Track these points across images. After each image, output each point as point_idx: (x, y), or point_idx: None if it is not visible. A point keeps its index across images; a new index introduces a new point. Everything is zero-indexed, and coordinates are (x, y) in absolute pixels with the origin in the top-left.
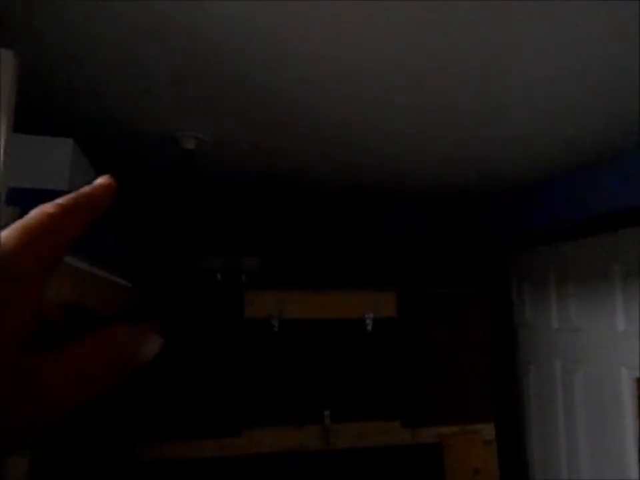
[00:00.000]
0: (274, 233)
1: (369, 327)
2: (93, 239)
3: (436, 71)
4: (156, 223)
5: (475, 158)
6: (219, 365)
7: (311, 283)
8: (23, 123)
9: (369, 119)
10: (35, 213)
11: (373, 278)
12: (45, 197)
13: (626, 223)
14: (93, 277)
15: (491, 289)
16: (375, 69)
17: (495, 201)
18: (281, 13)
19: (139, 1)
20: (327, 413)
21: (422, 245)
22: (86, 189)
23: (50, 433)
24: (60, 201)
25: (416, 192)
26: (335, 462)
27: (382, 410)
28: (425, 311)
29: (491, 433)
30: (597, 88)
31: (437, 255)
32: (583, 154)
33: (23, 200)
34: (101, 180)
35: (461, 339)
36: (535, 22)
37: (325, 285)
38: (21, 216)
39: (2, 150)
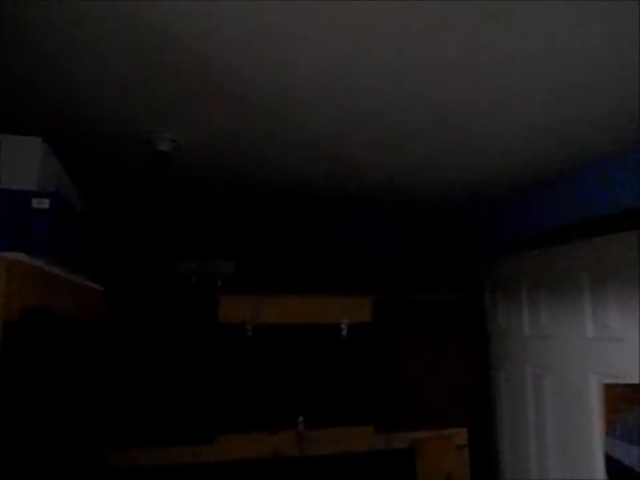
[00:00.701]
0: (250, 237)
1: (344, 332)
2: (64, 242)
3: (424, 74)
4: (129, 225)
5: (451, 167)
6: (191, 370)
7: (287, 287)
8: None
9: (351, 122)
10: None
11: (348, 284)
12: (10, 197)
13: (595, 231)
14: (60, 280)
15: (465, 295)
16: (359, 72)
17: (469, 209)
18: (258, 14)
19: (110, 1)
20: (300, 418)
21: (399, 251)
22: None
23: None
24: None
25: (394, 199)
26: (308, 468)
27: (356, 415)
28: (400, 317)
29: (463, 437)
30: (576, 96)
31: (413, 262)
32: (555, 164)
33: None
34: None
35: (436, 344)
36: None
37: (301, 289)
38: None
39: None
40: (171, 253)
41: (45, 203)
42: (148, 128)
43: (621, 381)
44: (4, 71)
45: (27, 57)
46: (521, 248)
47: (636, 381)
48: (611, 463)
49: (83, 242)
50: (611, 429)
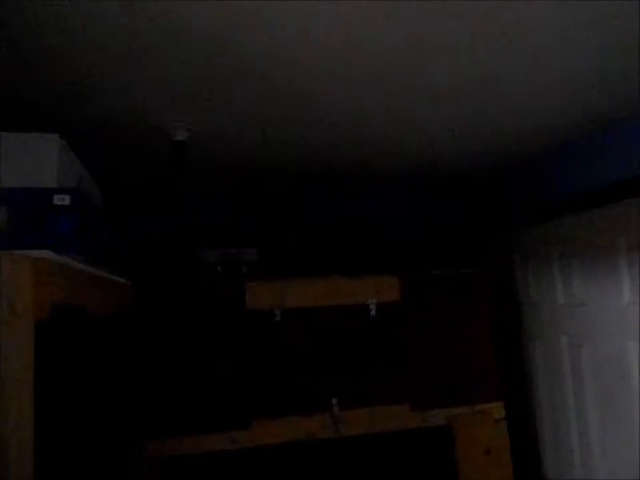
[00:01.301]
0: (272, 223)
1: (373, 312)
2: (87, 237)
3: (433, 40)
4: (151, 217)
5: (474, 135)
6: (223, 359)
7: (312, 271)
8: (5, 121)
9: (365, 99)
10: None
11: (374, 263)
12: (32, 195)
13: (630, 193)
14: (88, 276)
15: (494, 268)
16: (382, 45)
17: (495, 179)
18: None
19: None
20: (334, 400)
21: (426, 226)
22: None
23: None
24: None
25: (416, 173)
26: (344, 449)
27: (390, 394)
28: (428, 293)
29: (500, 411)
30: (597, 55)
31: (439, 237)
32: (583, 124)
33: (10, 200)
34: None
35: (465, 319)
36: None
37: (326, 272)
38: (9, 216)
39: None
40: (193, 242)
41: (66, 200)
42: (164, 118)
43: None
44: (19, 68)
45: (40, 53)
46: (550, 215)
47: None
48: None
49: (106, 236)
50: None
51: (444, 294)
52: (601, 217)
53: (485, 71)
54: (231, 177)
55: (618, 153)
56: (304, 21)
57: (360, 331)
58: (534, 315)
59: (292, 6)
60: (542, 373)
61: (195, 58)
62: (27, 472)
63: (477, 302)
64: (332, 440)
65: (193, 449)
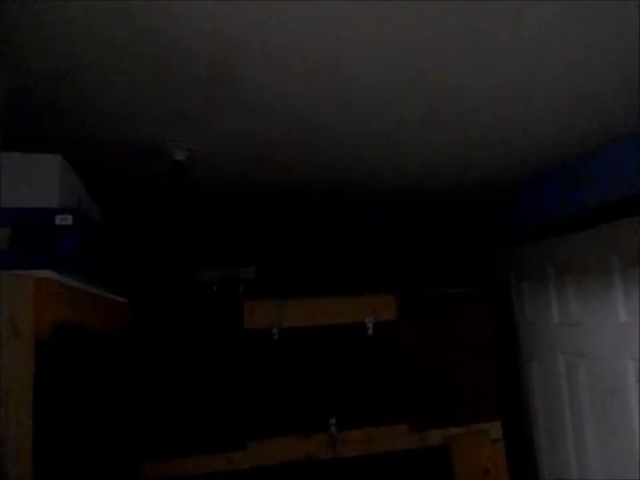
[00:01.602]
0: (270, 242)
1: (370, 331)
2: (89, 257)
3: (434, 63)
4: (149, 236)
5: (473, 157)
6: (220, 378)
7: (310, 290)
8: (8, 141)
9: (364, 123)
10: None
11: (371, 282)
12: (34, 215)
13: (623, 213)
14: (87, 295)
15: (490, 287)
16: (374, 73)
17: (491, 199)
18: (271, 21)
19: (120, 16)
20: (332, 420)
21: (420, 245)
22: None
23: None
24: None
25: (413, 193)
26: (342, 470)
27: (388, 414)
28: (425, 312)
29: (498, 431)
30: (584, 78)
31: (436, 257)
32: (577, 144)
33: (12, 220)
34: None
35: (462, 338)
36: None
37: (324, 291)
38: (11, 236)
39: None
40: (191, 261)
41: (69, 219)
42: (163, 138)
43: None
44: (22, 92)
45: (42, 75)
46: (545, 235)
47: None
48: None
49: (106, 255)
50: None
51: (441, 313)
52: (594, 237)
53: (483, 94)
54: (230, 196)
55: (609, 175)
56: (302, 47)
57: (357, 350)
58: (530, 335)
59: (291, 31)
60: (539, 392)
61: (193, 81)
62: None
63: (474, 321)
64: (329, 461)
65: (189, 470)
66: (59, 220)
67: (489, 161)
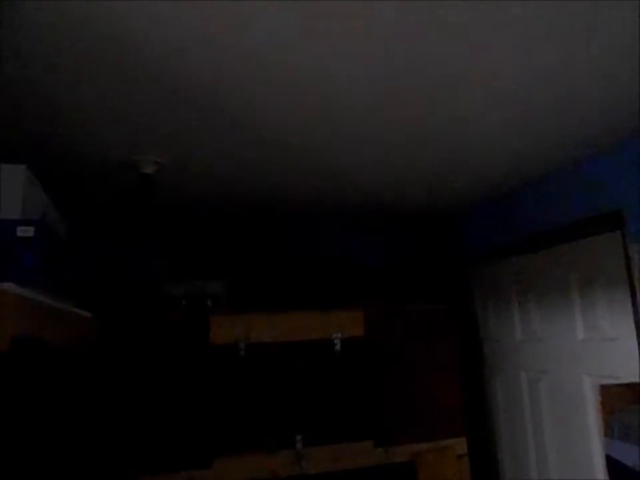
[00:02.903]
0: (238, 257)
1: (338, 347)
2: (51, 270)
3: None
4: (115, 250)
5: (440, 177)
6: (185, 394)
7: (278, 305)
8: None
9: (332, 142)
10: None
11: (339, 298)
12: None
13: (582, 233)
14: (49, 309)
15: (456, 304)
16: (341, 81)
17: (458, 217)
18: (239, 31)
19: (90, 24)
20: (298, 437)
21: (389, 263)
22: None
23: None
24: None
25: (383, 211)
26: None
27: (354, 431)
28: (393, 328)
29: (462, 447)
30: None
31: (402, 274)
32: (538, 168)
33: None
34: None
35: (429, 354)
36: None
37: (292, 306)
38: None
39: None
40: (158, 275)
41: (30, 231)
42: (132, 151)
43: (616, 381)
44: None
45: (8, 84)
46: (508, 253)
47: (631, 380)
48: (612, 464)
49: (70, 269)
50: (609, 430)
51: (409, 329)
52: (553, 256)
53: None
54: (200, 210)
55: (569, 197)
56: (276, 61)
57: (324, 367)
58: (495, 351)
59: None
60: (503, 407)
61: (163, 95)
62: None
63: (442, 337)
64: (295, 477)
65: None
66: (21, 232)
67: (462, 178)
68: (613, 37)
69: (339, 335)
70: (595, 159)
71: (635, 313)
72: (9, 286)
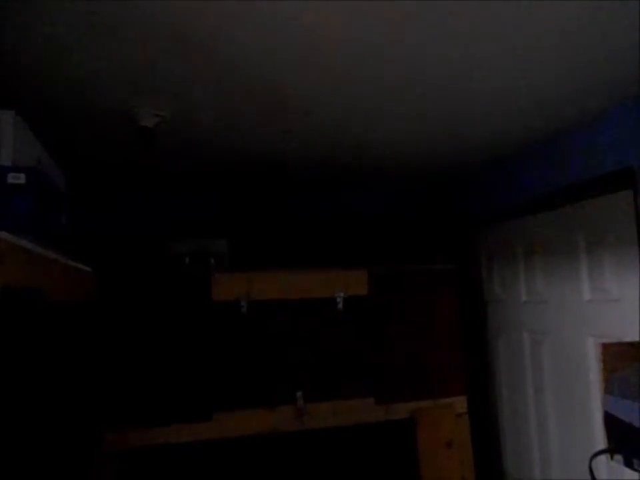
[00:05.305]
0: (242, 215)
1: (340, 306)
2: (46, 219)
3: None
4: (117, 204)
5: (444, 135)
6: (187, 349)
7: (281, 263)
8: None
9: (339, 96)
10: None
11: (344, 258)
12: None
13: (589, 193)
14: (44, 260)
15: (461, 265)
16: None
17: (462, 178)
18: None
19: None
20: (299, 393)
21: (392, 224)
22: None
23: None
24: None
25: (386, 171)
26: (308, 442)
27: (355, 388)
28: (396, 288)
29: (463, 405)
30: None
31: (407, 234)
32: (545, 128)
33: None
34: None
35: (431, 314)
36: None
37: (295, 265)
38: None
39: None
40: (162, 232)
41: (21, 178)
42: (132, 102)
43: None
44: None
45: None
46: (515, 215)
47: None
48: (610, 420)
49: (67, 221)
50: (609, 387)
51: (412, 289)
52: (561, 217)
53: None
54: (204, 166)
55: (576, 157)
56: (284, 11)
57: (326, 325)
58: (499, 312)
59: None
60: (504, 367)
61: (161, 42)
62: None
63: (444, 298)
64: (295, 433)
65: (152, 441)
66: (11, 178)
67: (467, 138)
68: None
69: (342, 293)
70: (603, 119)
71: None
72: (1, 234)
